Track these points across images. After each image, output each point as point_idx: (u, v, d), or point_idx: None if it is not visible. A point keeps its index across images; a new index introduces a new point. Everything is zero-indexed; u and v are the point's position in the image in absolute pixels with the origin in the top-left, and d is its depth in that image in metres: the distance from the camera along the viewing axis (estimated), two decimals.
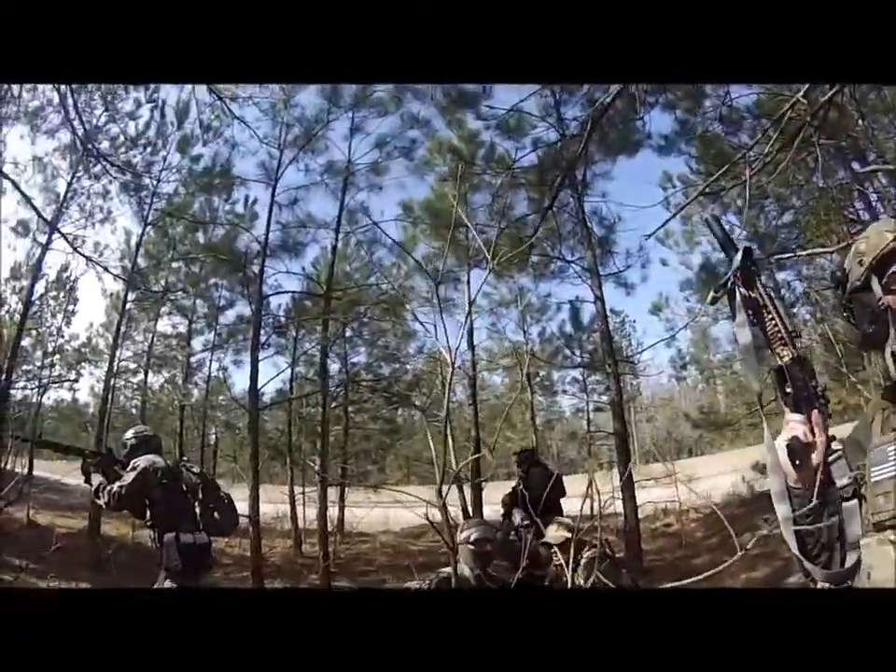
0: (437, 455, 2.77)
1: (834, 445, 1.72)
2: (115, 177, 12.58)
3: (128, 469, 5.44)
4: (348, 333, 15.45)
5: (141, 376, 16.09)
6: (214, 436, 18.10)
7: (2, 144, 11.88)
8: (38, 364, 15.97)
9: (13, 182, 11.30)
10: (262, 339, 11.94)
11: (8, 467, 10.96)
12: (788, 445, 1.71)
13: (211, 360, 16.27)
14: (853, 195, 12.50)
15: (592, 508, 4.65)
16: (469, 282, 13.14)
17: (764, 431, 1.80)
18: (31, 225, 12.62)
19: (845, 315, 1.85)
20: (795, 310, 14.16)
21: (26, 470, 14.71)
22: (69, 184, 12.52)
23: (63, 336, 16.29)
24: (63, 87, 9.18)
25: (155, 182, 12.81)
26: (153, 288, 14.61)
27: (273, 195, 10.63)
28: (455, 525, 5.07)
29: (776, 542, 1.68)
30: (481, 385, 17.07)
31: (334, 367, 15.62)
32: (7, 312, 14.09)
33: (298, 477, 15.45)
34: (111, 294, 15.89)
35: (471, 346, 13.87)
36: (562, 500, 8.70)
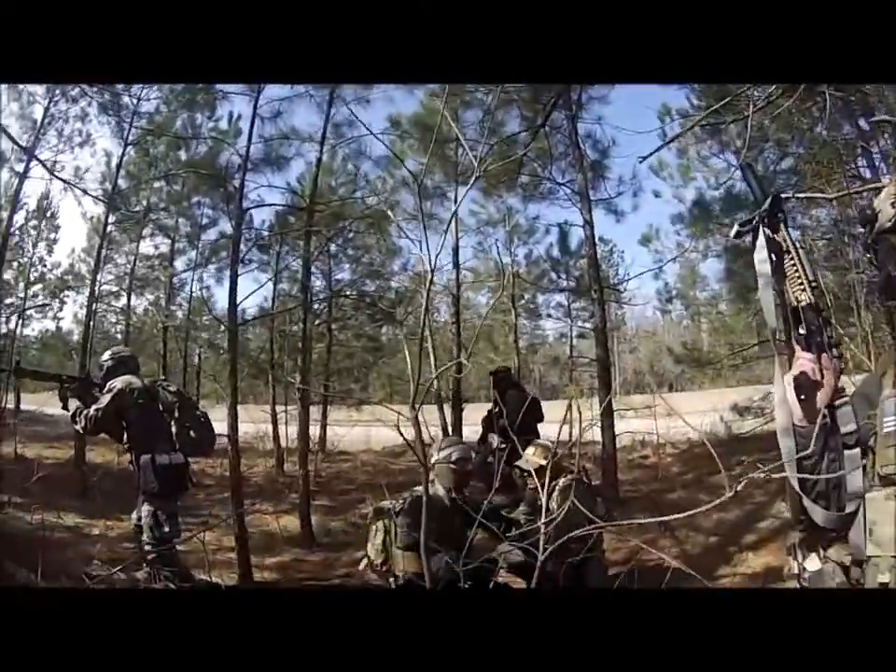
0: (412, 368, 2.62)
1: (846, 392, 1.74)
2: (93, 98, 12.21)
3: (104, 391, 5.43)
4: (333, 249, 15.43)
5: (124, 300, 15.94)
6: (198, 356, 18.15)
7: None
8: (21, 296, 15.88)
9: None
10: (244, 255, 11.78)
11: None
12: (795, 379, 1.74)
13: (193, 279, 16.19)
14: (857, 151, 12.32)
15: (570, 433, 4.69)
16: (456, 198, 13.01)
17: (775, 365, 1.83)
18: (7, 154, 12.24)
19: (867, 256, 1.85)
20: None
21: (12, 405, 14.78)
22: (46, 109, 12.15)
23: (45, 265, 16.24)
24: None
25: (135, 101, 12.37)
26: (134, 209, 14.39)
27: (255, 108, 10.32)
28: (429, 442, 5.12)
29: (751, 485, 1.68)
30: (465, 305, 17.09)
31: (318, 284, 15.61)
32: None
33: (280, 396, 15.57)
34: (91, 218, 15.73)
35: (456, 264, 13.74)
36: (539, 425, 8.80)
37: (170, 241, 15.78)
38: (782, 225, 1.90)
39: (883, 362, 1.83)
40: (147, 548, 5.24)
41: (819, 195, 7.62)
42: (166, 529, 5.26)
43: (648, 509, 9.09)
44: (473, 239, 16.17)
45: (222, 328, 14.48)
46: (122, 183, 13.72)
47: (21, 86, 11.58)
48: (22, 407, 15.03)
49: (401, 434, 2.57)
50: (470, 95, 12.27)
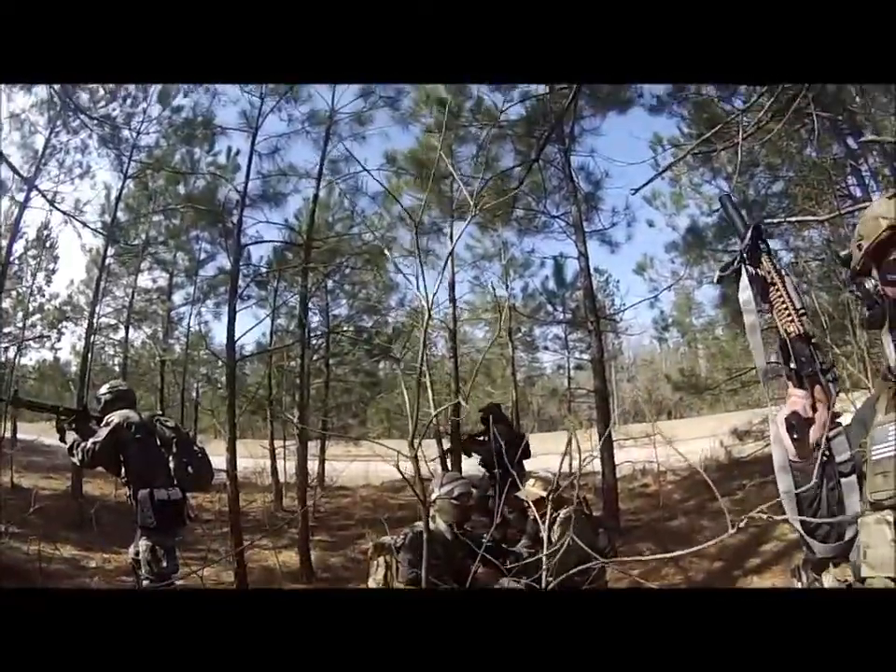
0: (410, 405, 2.62)
1: (840, 421, 1.73)
2: (93, 131, 12.30)
3: (102, 424, 5.41)
4: (329, 285, 15.51)
5: (122, 333, 15.96)
6: (195, 391, 18.14)
7: None
8: (20, 325, 15.87)
9: None
10: (242, 290, 11.83)
11: None
12: (787, 420, 1.72)
13: (191, 314, 16.24)
14: (846, 170, 12.46)
15: (570, 465, 4.67)
16: (451, 234, 13.08)
17: (768, 406, 1.84)
18: (8, 183, 12.31)
19: (850, 291, 1.86)
20: None
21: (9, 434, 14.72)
22: (47, 139, 12.20)
23: (43, 295, 16.24)
24: None
25: (135, 135, 12.50)
26: (133, 242, 14.43)
27: (252, 144, 10.42)
28: (428, 478, 5.08)
29: (754, 509, 1.67)
30: (462, 339, 17.15)
31: (316, 320, 15.68)
32: None
33: (279, 431, 15.54)
34: (91, 250, 15.80)
35: (452, 299, 13.72)
36: (534, 459, 8.75)
37: (168, 275, 15.85)
38: (765, 256, 1.89)
39: (878, 386, 1.83)
40: (145, 583, 5.17)
41: (811, 218, 7.66)
42: (164, 565, 5.19)
43: (650, 537, 9.04)
44: (470, 273, 16.30)
45: (220, 363, 14.49)
46: (121, 216, 13.85)
47: (23, 115, 11.71)
48: (19, 437, 14.98)
49: (400, 472, 2.56)
50: (465, 130, 12.39)
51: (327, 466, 16.44)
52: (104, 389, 5.78)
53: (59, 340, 17.00)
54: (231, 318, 9.07)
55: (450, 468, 12.29)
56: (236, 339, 9.10)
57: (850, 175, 12.72)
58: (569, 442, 3.12)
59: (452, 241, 12.78)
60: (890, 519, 1.55)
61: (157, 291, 16.09)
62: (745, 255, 1.88)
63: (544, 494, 5.09)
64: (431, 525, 4.53)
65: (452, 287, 13.56)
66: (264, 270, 13.82)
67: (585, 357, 15.00)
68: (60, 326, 16.31)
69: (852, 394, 6.33)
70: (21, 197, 12.12)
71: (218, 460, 6.44)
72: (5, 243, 12.55)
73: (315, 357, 15.68)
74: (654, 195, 15.28)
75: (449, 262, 13.06)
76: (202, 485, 5.95)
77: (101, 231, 13.50)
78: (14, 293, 15.60)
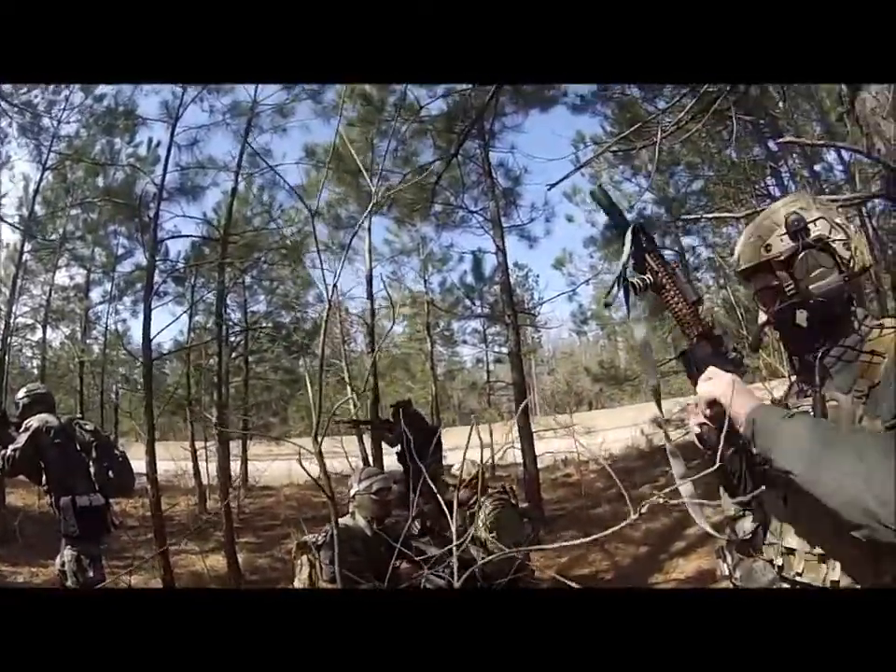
0: (312, 402, 2.63)
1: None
2: (13, 119, 11.88)
3: (21, 430, 5.26)
4: (247, 281, 15.44)
5: (39, 333, 15.49)
6: (114, 393, 17.70)
7: None
8: None
9: None
10: (158, 287, 11.59)
11: None
12: (698, 436, 1.80)
13: (109, 312, 15.93)
14: (766, 171, 12.94)
15: (493, 457, 4.75)
16: (370, 228, 13.08)
17: (662, 425, 1.90)
18: None
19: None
20: (699, 275, 14.66)
21: None
22: None
23: None
24: None
25: (56, 123, 12.11)
26: (50, 237, 14.03)
27: (172, 135, 10.20)
28: (345, 474, 5.09)
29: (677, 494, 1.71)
30: (381, 335, 17.12)
31: (234, 317, 15.48)
32: None
33: (200, 432, 15.26)
34: (7, 245, 15.31)
35: (370, 295, 13.73)
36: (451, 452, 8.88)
37: (86, 271, 15.46)
38: (649, 257, 1.87)
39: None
40: None
41: (728, 214, 7.90)
42: (91, 574, 5.07)
43: (574, 525, 9.24)
44: (388, 268, 16.38)
45: (139, 363, 14.20)
46: (39, 209, 13.43)
47: None
48: None
49: (303, 468, 2.57)
50: (386, 125, 12.37)
51: (249, 466, 16.37)
52: (21, 393, 5.61)
53: None
54: (147, 316, 8.89)
55: (371, 464, 12.34)
56: (152, 337, 8.93)
57: (770, 176, 13.25)
58: (470, 434, 3.19)
59: (370, 235, 12.81)
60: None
61: (74, 289, 15.71)
62: (625, 271, 1.84)
63: (467, 478, 5.19)
64: (350, 522, 4.55)
65: (369, 281, 13.58)
66: (181, 266, 13.60)
67: (504, 350, 15.18)
68: None
69: (769, 382, 6.57)
70: None
71: (139, 464, 6.33)
72: None
73: (233, 355, 15.59)
74: (574, 191, 15.85)
75: (366, 256, 13.08)
76: (123, 490, 5.82)
77: (18, 225, 13.13)
78: None
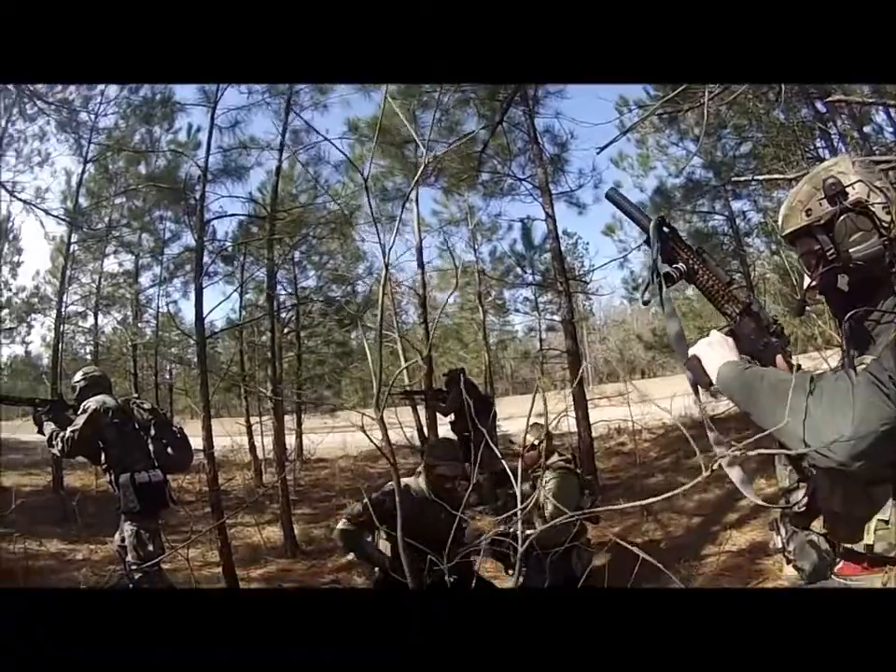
0: (373, 371, 2.62)
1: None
2: (51, 116, 12.02)
3: (79, 412, 5.40)
4: (297, 257, 15.38)
5: (91, 320, 15.85)
6: (168, 373, 18.02)
7: None
8: None
9: None
10: (208, 267, 11.69)
11: None
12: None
13: (159, 295, 16.09)
14: (815, 133, 12.55)
15: (547, 426, 4.76)
16: (417, 199, 13.04)
17: (704, 417, 1.86)
18: None
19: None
20: (750, 240, 14.34)
21: None
22: (3, 129, 11.99)
23: (10, 289, 16.02)
24: None
25: (93, 117, 12.24)
26: (97, 227, 14.20)
27: (212, 118, 10.22)
28: (405, 444, 5.13)
29: (731, 465, 1.82)
30: (433, 305, 17.15)
31: (284, 292, 15.53)
32: None
33: (254, 407, 15.60)
34: (54, 238, 15.62)
35: (420, 265, 13.73)
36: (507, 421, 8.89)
37: (134, 257, 15.67)
38: (676, 246, 1.91)
39: None
40: (133, 568, 5.21)
41: (779, 176, 7.71)
42: (150, 548, 5.22)
43: (627, 495, 9.19)
44: (437, 239, 16.30)
45: (191, 342, 14.36)
46: (83, 201, 13.64)
47: None
48: None
49: (368, 436, 2.56)
50: (428, 96, 12.25)
51: (304, 439, 16.45)
52: (77, 377, 5.76)
53: (28, 333, 16.91)
54: (198, 296, 8.98)
55: (426, 433, 12.42)
56: (204, 316, 9.04)
57: (819, 138, 12.86)
58: (535, 400, 3.15)
59: (417, 206, 12.78)
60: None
61: (124, 275, 15.93)
62: (657, 265, 1.88)
63: (536, 441, 5.20)
64: (412, 482, 4.60)
65: (420, 252, 13.54)
66: (229, 245, 13.65)
67: (556, 318, 15.04)
68: (28, 318, 16.13)
69: (825, 351, 6.43)
70: None
71: (196, 440, 6.45)
72: None
73: (285, 331, 15.66)
74: (621, 157, 15.44)
75: (414, 226, 13.05)
76: (182, 466, 5.97)
77: (64, 217, 13.29)
78: None
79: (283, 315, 15.18)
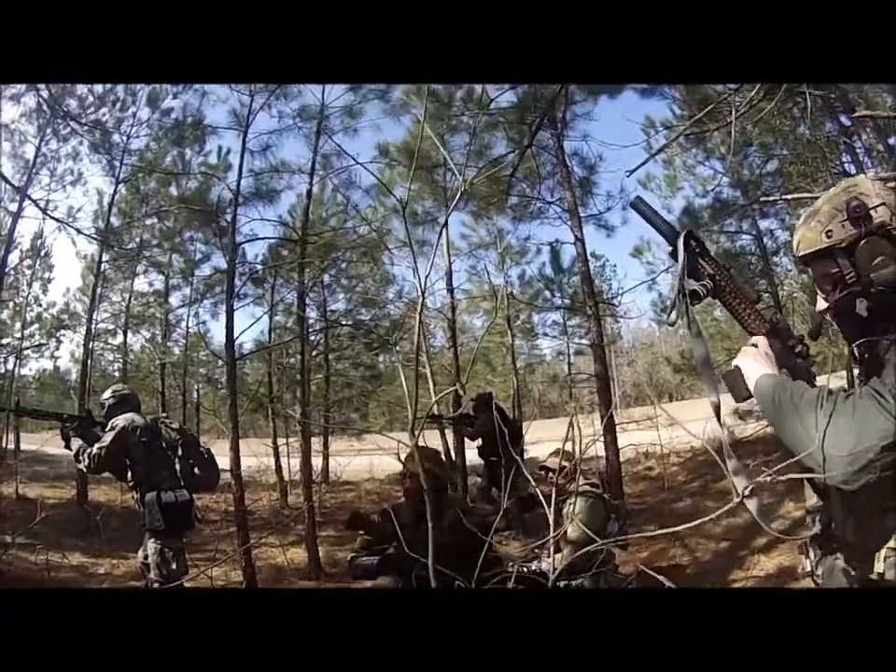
0: (409, 394, 2.58)
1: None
2: (84, 137, 12.30)
3: (107, 429, 5.43)
4: (326, 280, 15.47)
5: (120, 337, 15.99)
6: (196, 392, 18.16)
7: None
8: (18, 336, 15.85)
9: None
10: (238, 289, 11.81)
11: None
12: None
13: (189, 315, 16.31)
14: (840, 148, 12.47)
15: (573, 448, 4.72)
16: (447, 223, 13.08)
17: (725, 446, 1.81)
18: (0, 194, 12.33)
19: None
20: (777, 259, 14.23)
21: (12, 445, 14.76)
22: (37, 148, 12.15)
23: (40, 304, 16.23)
24: None
25: (125, 139, 12.54)
26: (128, 247, 14.44)
27: (244, 142, 10.38)
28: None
29: (758, 488, 1.70)
30: (461, 329, 17.16)
31: (314, 315, 15.62)
32: None
33: (281, 429, 15.56)
34: (85, 256, 15.80)
35: (450, 289, 13.75)
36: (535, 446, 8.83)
37: (164, 277, 15.84)
38: (703, 261, 1.87)
39: None
40: (155, 586, 5.20)
41: (806, 195, 7.65)
42: (173, 566, 5.23)
43: (655, 519, 9.09)
44: (466, 263, 16.39)
45: (220, 363, 14.48)
46: (115, 221, 13.89)
47: (12, 125, 11.68)
48: (22, 447, 14.97)
49: (402, 462, 2.54)
50: (456, 119, 12.36)
51: (330, 461, 16.46)
52: (107, 394, 5.80)
53: (58, 348, 17.09)
54: (229, 317, 9.07)
55: (453, 457, 12.40)
56: (235, 337, 9.11)
57: (844, 153, 12.75)
58: (571, 425, 3.09)
59: (447, 230, 12.82)
60: None
61: (153, 294, 16.11)
62: (683, 282, 1.84)
63: (566, 464, 5.16)
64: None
65: (449, 276, 13.57)
66: (260, 267, 13.80)
67: (584, 342, 14.99)
68: (58, 334, 16.36)
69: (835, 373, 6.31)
70: (14, 207, 12.08)
71: (222, 460, 6.46)
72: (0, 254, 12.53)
73: (314, 353, 15.67)
74: (648, 178, 15.40)
75: (444, 250, 13.09)
76: (208, 486, 5.98)
77: (95, 236, 13.51)
78: (11, 304, 15.61)
79: (312, 337, 15.21)
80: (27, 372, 18.37)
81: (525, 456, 9.87)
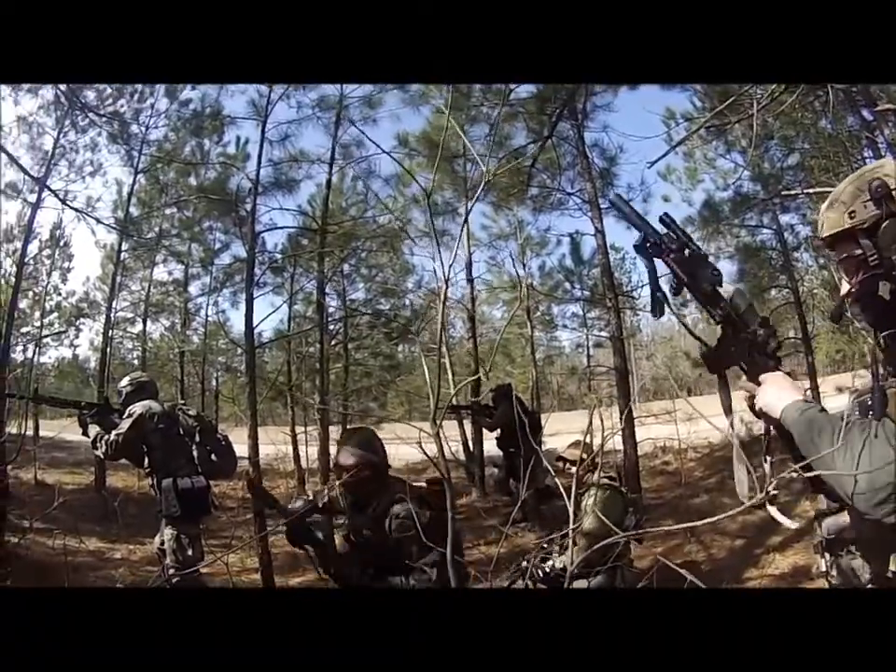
0: (431, 383, 2.59)
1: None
2: (102, 128, 12.36)
3: (125, 416, 5.46)
4: (346, 270, 15.51)
5: (140, 326, 16.04)
6: (215, 380, 18.26)
7: None
8: (37, 324, 16.05)
9: None
10: (258, 278, 11.85)
11: (13, 431, 11.05)
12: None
13: (208, 304, 16.38)
14: (862, 142, 12.35)
15: (592, 441, 4.71)
16: (467, 214, 13.10)
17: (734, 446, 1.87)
18: (20, 185, 12.41)
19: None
20: (798, 254, 14.12)
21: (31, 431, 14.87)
22: (56, 140, 12.14)
23: (60, 294, 16.34)
24: None
25: (144, 129, 12.65)
26: (147, 236, 14.52)
27: (262, 132, 10.41)
28: (452, 458, 5.08)
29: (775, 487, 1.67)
30: (480, 319, 17.19)
31: (333, 304, 15.78)
32: (3, 276, 13.95)
33: (300, 417, 15.63)
34: (105, 246, 15.86)
35: (469, 279, 13.86)
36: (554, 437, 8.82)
37: (184, 266, 15.91)
38: (667, 260, 1.81)
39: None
40: (171, 571, 5.23)
41: (828, 189, 7.57)
42: (190, 553, 5.26)
43: (672, 515, 9.05)
44: (486, 253, 16.45)
45: (239, 351, 14.54)
46: (134, 211, 13.96)
47: (30, 118, 11.75)
48: (41, 433, 15.11)
49: (423, 451, 2.52)
50: (476, 110, 12.35)
51: None
52: (124, 381, 5.85)
53: (77, 336, 17.26)
54: (249, 306, 9.10)
55: (472, 448, 12.43)
56: (254, 326, 9.14)
57: (867, 147, 12.63)
58: (591, 417, 3.08)
59: (467, 221, 12.82)
60: None
61: (173, 283, 16.20)
62: (657, 283, 1.84)
63: (585, 456, 5.13)
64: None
65: (469, 266, 13.59)
66: (279, 256, 13.85)
67: (604, 334, 14.95)
68: (77, 322, 16.52)
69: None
70: (33, 198, 12.11)
71: (240, 448, 6.48)
72: (19, 244, 12.63)
73: (333, 342, 15.74)
74: (669, 170, 15.22)
75: (464, 241, 13.09)
76: (226, 473, 6.02)
77: (114, 226, 13.61)
78: (31, 293, 15.73)
79: (331, 326, 15.34)
80: (46, 360, 18.61)
81: (543, 448, 9.88)
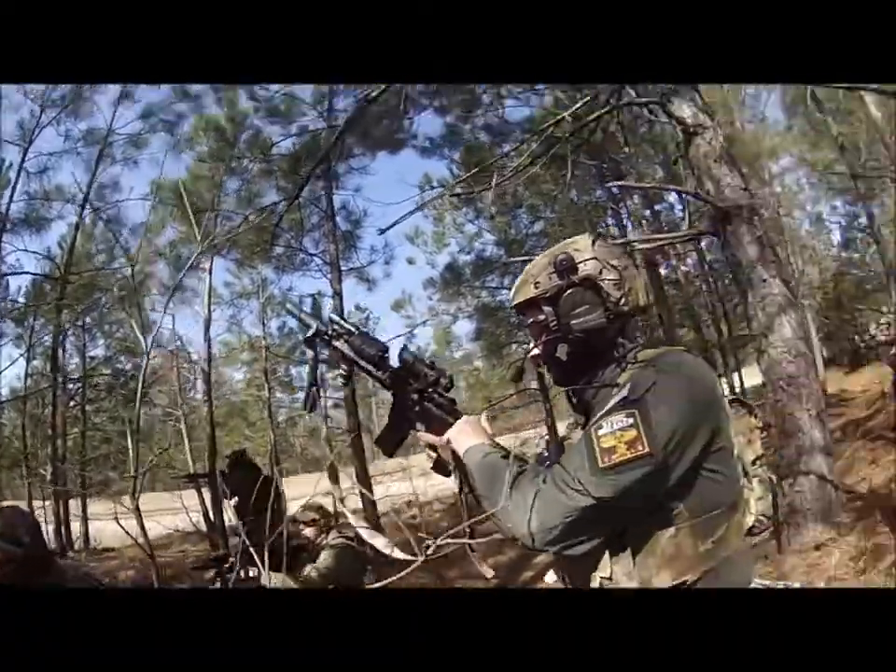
0: (131, 457, 2.86)
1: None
2: None
3: None
4: (87, 323, 15.68)
5: None
6: None
7: None
8: None
9: None
10: None
11: None
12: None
13: None
14: (607, 212, 15.14)
15: (334, 503, 5.56)
16: (211, 270, 13.85)
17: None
18: None
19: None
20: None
21: None
22: None
23: None
24: None
25: None
26: None
27: (22, 161, 11.04)
28: (180, 532, 5.13)
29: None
30: (219, 381, 18.38)
31: (73, 362, 15.97)
32: None
33: (37, 491, 14.82)
34: None
35: (207, 339, 14.26)
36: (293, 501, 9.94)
37: None
38: (336, 345, 2.00)
39: None
40: None
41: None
42: None
43: (421, 568, 10.47)
44: (227, 312, 17.01)
45: None
46: None
47: None
48: None
49: (121, 526, 2.85)
50: (236, 162, 13.54)
51: (90, 525, 16.09)
52: None
53: None
54: None
55: (212, 517, 13.16)
56: None
57: (610, 217, 15.54)
58: (331, 475, 3.61)
59: (210, 277, 13.43)
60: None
61: None
62: (315, 378, 2.05)
63: (317, 517, 5.33)
64: None
65: (207, 326, 14.12)
66: (20, 303, 13.85)
67: (340, 395, 15.59)
68: None
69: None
70: None
71: None
72: None
73: (71, 404, 15.80)
74: (417, 233, 17.54)
75: (205, 299, 13.82)
76: None
77: None
78: None
79: (69, 386, 15.51)
80: None
81: (289, 513, 10.84)
